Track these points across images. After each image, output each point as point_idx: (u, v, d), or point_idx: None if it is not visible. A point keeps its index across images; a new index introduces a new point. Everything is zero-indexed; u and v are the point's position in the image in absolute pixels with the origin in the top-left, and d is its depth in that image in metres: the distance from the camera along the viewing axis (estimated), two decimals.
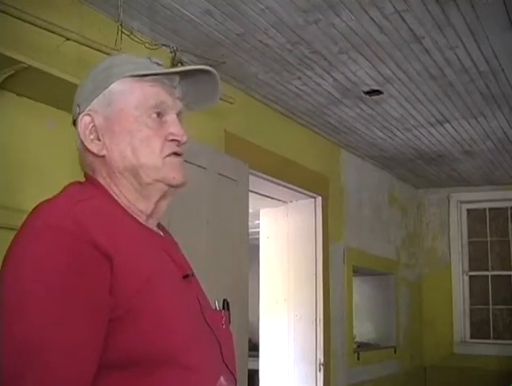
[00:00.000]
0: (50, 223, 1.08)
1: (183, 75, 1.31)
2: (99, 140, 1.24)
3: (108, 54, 2.73)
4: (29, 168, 2.52)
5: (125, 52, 2.59)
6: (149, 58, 1.31)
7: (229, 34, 3.15)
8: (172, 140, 1.26)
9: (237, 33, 3.14)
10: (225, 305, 1.38)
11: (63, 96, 2.48)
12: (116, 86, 1.24)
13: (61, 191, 1.22)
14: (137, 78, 1.25)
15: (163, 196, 1.28)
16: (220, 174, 3.37)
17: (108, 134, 1.24)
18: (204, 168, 3.24)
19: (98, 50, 2.70)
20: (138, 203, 1.26)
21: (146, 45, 3.10)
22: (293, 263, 4.93)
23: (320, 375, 4.75)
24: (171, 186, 1.26)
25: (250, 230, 3.77)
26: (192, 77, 1.32)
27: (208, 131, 3.60)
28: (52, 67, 2.33)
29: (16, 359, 1.01)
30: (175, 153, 1.27)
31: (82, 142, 1.25)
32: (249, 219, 3.72)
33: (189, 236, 2.95)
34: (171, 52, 3.25)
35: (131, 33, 2.97)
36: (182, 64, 3.29)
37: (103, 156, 1.24)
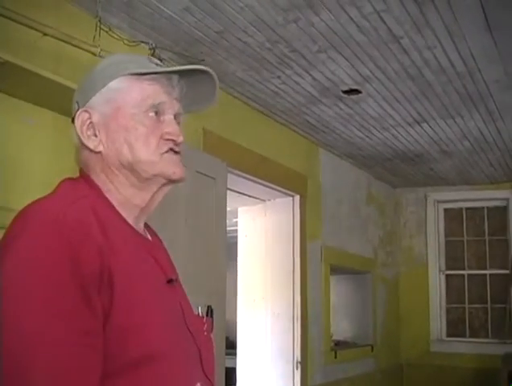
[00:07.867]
0: (47, 220, 1.07)
1: (182, 74, 1.31)
2: (95, 136, 1.24)
3: (86, 50, 2.71)
4: (10, 165, 2.47)
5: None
6: (148, 57, 1.32)
7: (208, 31, 3.14)
8: (168, 139, 1.26)
9: (216, 31, 3.14)
10: (209, 311, 1.37)
11: (40, 92, 2.46)
12: (114, 84, 1.25)
13: (54, 191, 1.21)
14: (135, 76, 1.25)
15: (160, 188, 1.29)
16: (198, 172, 3.35)
17: (104, 131, 1.24)
18: None
19: (76, 46, 2.68)
20: (133, 198, 1.26)
21: (125, 42, 3.08)
22: (271, 261, 4.94)
23: (297, 373, 4.76)
24: (170, 180, 1.27)
25: (228, 228, 3.77)
26: (191, 77, 1.32)
27: (186, 129, 3.55)
28: (30, 62, 2.31)
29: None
30: (172, 150, 1.27)
31: (79, 138, 1.25)
32: (228, 217, 3.72)
33: (167, 234, 2.93)
34: (149, 49, 3.23)
35: (110, 29, 2.95)
36: (161, 62, 3.28)
37: (99, 152, 1.24)
